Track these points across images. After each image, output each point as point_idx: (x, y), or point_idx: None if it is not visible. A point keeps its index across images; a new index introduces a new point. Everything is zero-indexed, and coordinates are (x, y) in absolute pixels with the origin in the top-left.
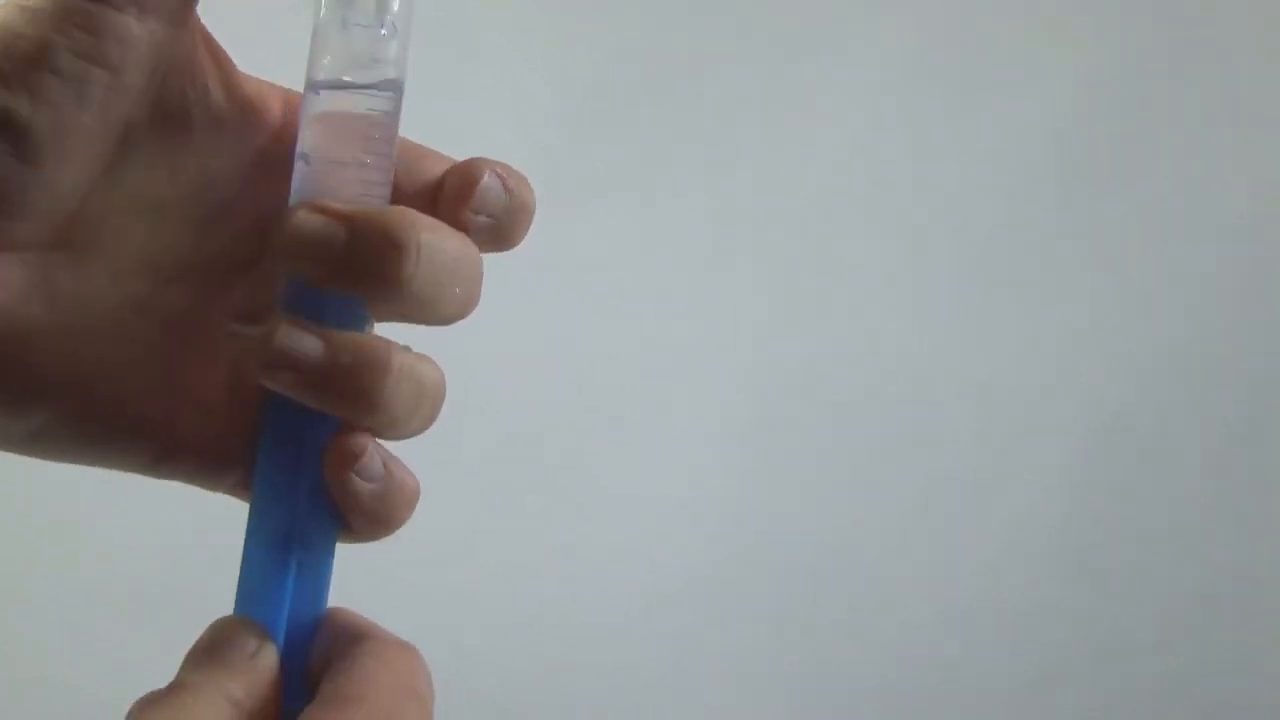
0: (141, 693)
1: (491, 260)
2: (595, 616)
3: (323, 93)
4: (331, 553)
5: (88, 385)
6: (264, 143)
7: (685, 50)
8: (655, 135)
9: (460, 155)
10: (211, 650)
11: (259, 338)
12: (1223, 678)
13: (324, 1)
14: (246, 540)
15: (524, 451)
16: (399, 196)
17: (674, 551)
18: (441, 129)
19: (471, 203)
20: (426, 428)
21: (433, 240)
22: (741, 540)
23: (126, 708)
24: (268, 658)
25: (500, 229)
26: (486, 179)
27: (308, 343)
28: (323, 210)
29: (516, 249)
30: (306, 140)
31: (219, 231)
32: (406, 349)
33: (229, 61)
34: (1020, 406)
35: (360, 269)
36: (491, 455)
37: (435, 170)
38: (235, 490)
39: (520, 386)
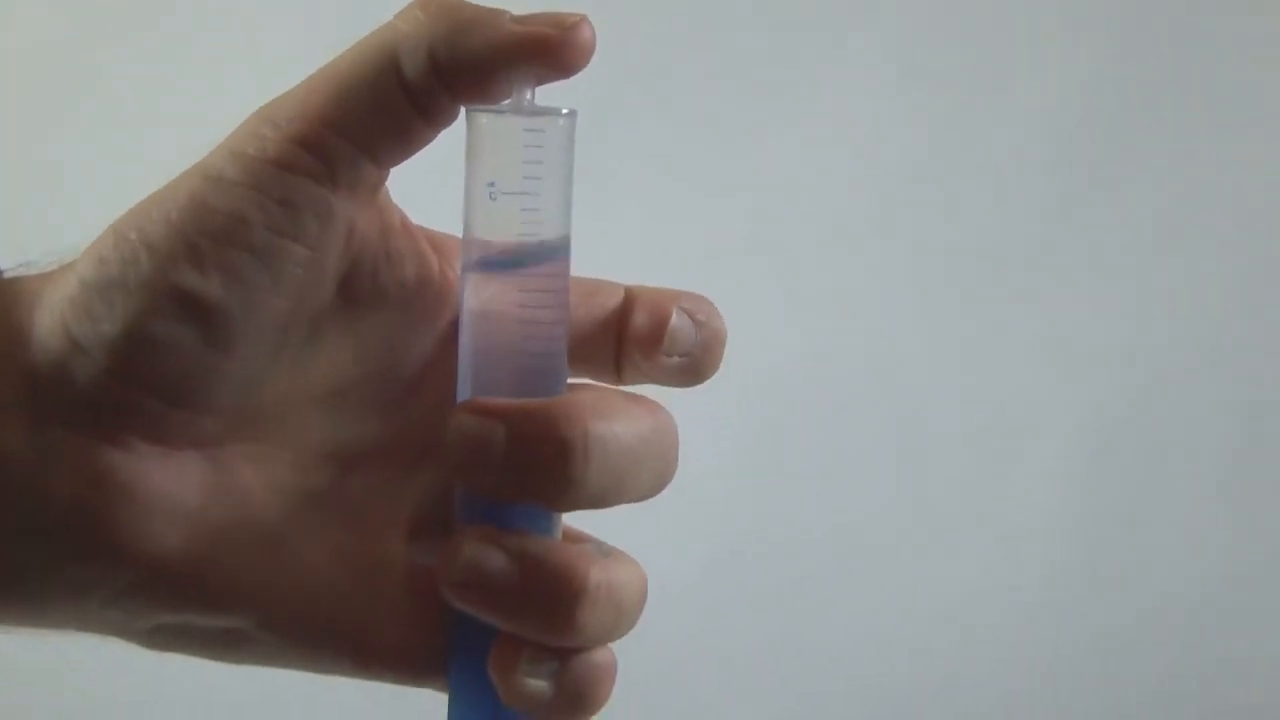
0: (145, 695)
1: None
2: None
3: (478, 262)
4: None
5: (277, 591)
6: (452, 316)
7: (684, 52)
8: (652, 137)
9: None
10: None
11: (445, 552)
12: (1223, 678)
13: (468, 173)
14: None
15: None
16: (579, 337)
17: (671, 551)
18: (442, 132)
19: (663, 346)
20: (619, 638)
21: (604, 431)
22: (740, 540)
23: (128, 707)
24: None
25: (693, 365)
26: (675, 318)
27: (496, 560)
28: (479, 410)
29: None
30: (471, 298)
31: (401, 414)
32: (607, 553)
33: (421, 234)
34: (1021, 407)
35: (526, 475)
36: None
37: (611, 302)
38: (442, 690)
39: None
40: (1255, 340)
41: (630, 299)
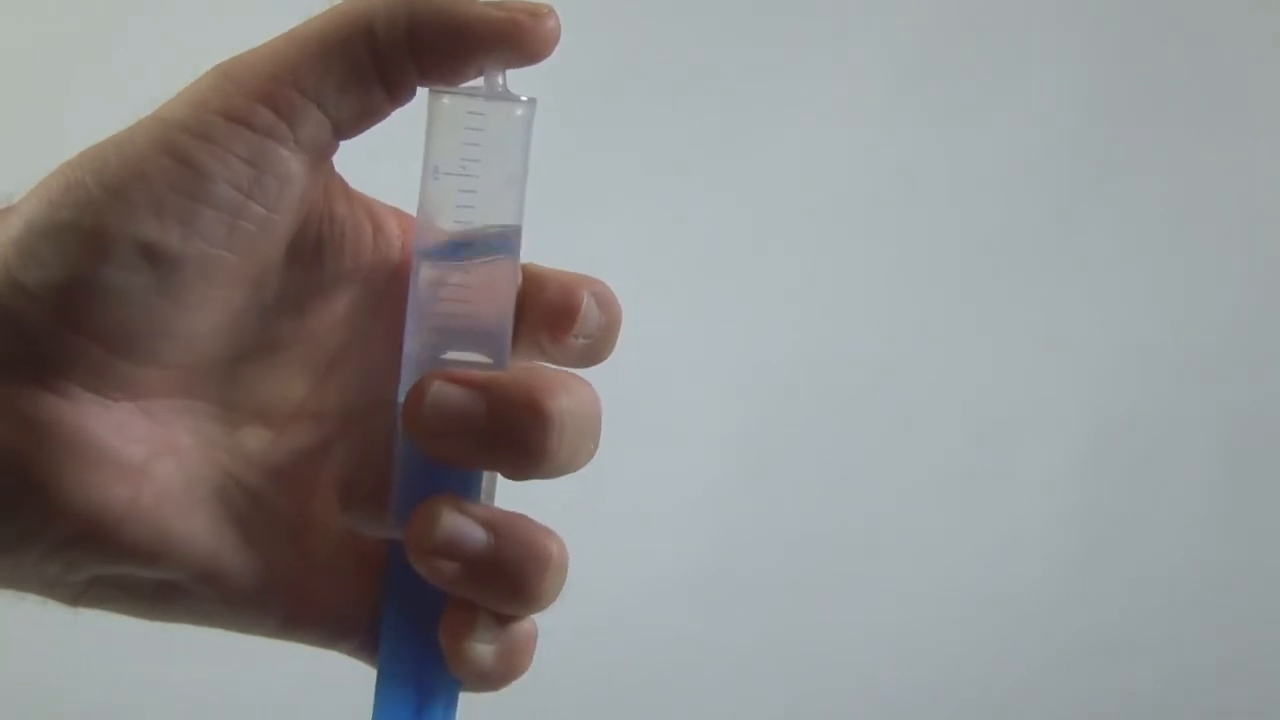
0: (144, 700)
1: None
2: (592, 615)
3: (430, 240)
4: (455, 705)
5: (212, 547)
6: (387, 283)
7: (683, 54)
8: (652, 139)
9: None
10: None
11: (416, 522)
12: (1222, 677)
13: (425, 152)
14: (375, 706)
15: None
16: None
17: (673, 549)
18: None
19: (574, 329)
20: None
21: (572, 405)
22: (740, 538)
23: (124, 713)
24: None
25: (595, 348)
26: (586, 303)
27: (473, 533)
28: (457, 380)
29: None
30: (421, 273)
31: (329, 377)
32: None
33: (361, 203)
34: (1022, 406)
35: (503, 445)
36: None
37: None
38: (356, 653)
39: None
40: (1255, 340)
41: (537, 279)
